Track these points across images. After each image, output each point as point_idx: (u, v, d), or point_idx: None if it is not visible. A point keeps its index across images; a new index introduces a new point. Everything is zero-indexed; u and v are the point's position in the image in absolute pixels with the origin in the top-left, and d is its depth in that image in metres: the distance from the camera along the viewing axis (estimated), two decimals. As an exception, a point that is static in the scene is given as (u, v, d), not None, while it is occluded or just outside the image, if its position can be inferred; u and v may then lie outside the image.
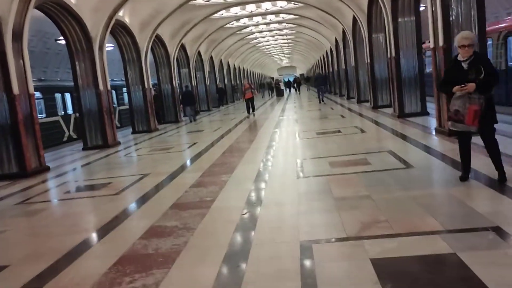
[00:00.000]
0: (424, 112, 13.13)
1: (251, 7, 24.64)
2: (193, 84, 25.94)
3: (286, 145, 10.60)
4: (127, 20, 16.44)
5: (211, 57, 32.17)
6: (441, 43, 8.92)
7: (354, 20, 20.20)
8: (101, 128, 13.58)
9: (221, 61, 36.06)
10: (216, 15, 23.99)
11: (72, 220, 5.81)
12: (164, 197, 6.49)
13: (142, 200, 6.40)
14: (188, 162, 9.50)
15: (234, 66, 44.07)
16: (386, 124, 12.18)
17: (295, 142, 10.77)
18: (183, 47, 24.81)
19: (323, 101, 24.89)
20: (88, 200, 6.82)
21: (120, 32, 16.60)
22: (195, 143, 12.53)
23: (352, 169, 6.94)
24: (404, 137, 9.57)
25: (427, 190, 5.46)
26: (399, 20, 13.00)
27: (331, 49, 32.36)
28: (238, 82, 46.45)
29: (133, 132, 17.74)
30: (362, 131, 11.33)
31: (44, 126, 17.02)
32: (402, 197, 5.21)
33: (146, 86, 17.77)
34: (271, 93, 40.26)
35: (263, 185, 6.64)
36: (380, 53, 17.31)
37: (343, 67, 25.99)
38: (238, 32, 31.63)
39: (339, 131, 11.63)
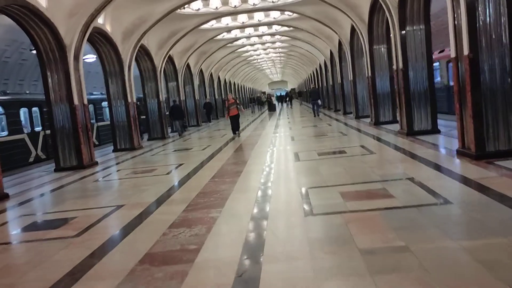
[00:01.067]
0: (435, 130, 11.91)
1: (242, 18, 23.51)
2: (181, 98, 24.58)
3: (285, 169, 9.24)
4: (108, 28, 15.11)
5: (201, 70, 30.94)
6: (466, 51, 7.70)
7: (353, 31, 19.10)
8: (76, 146, 12.13)
9: (211, 75, 34.86)
10: (206, 26, 22.82)
11: None
12: (135, 242, 5.06)
13: (106, 247, 4.97)
14: (171, 190, 8.08)
15: (225, 80, 42.90)
16: (396, 143, 10.89)
17: (294, 165, 9.41)
18: (171, 59, 23.53)
19: (318, 115, 24.91)
20: (38, 245, 5.35)
21: (100, 41, 15.24)
22: (181, 164, 11.13)
23: (372, 203, 5.59)
24: (423, 160, 8.26)
25: (483, 239, 4.10)
26: (408, 29, 11.83)
27: (325, 63, 31.32)
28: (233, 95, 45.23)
29: (115, 150, 16.28)
30: (370, 151, 10.02)
31: (5, 145, 15.49)
32: (452, 249, 3.86)
33: (130, 100, 16.37)
34: (261, 108, 38.87)
35: (263, 224, 5.25)
36: (382, 66, 16.15)
37: (339, 81, 24.86)
38: (229, 45, 30.50)
39: (344, 152, 10.31)
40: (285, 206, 6.02)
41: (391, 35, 12.65)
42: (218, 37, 26.43)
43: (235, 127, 17.37)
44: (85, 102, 12.67)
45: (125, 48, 16.12)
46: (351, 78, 20.78)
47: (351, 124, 17.89)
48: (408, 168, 7.77)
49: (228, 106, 17.23)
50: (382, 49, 16.01)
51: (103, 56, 15.88)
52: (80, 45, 12.18)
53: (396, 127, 14.59)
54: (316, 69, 39.57)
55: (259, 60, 47.51)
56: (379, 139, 12.10)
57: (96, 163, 12.80)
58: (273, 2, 19.76)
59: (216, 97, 37.17)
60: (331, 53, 26.71)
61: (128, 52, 16.22)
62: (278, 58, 48.01)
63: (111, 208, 6.88)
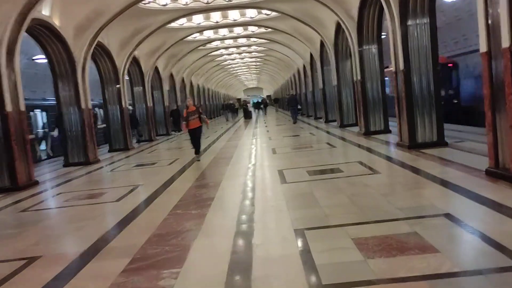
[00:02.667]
0: (442, 142, 10.14)
1: (216, 17, 21.51)
2: (148, 104, 22.29)
3: (270, 196, 7.21)
4: (56, 22, 12.81)
5: (171, 74, 28.71)
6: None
7: (338, 30, 17.36)
8: (9, 163, 9.80)
9: (183, 79, 32.64)
10: (175, 25, 20.71)
11: None
12: None
13: None
14: (114, 230, 5.91)
15: (198, 85, 40.72)
16: (402, 159, 9.00)
17: (281, 189, 7.38)
18: (136, 61, 21.25)
19: (295, 122, 24.54)
20: None
21: (47, 36, 12.92)
22: (138, 186, 8.96)
23: (407, 263, 3.63)
24: (450, 185, 6.36)
25: None
26: (410, 23, 10.06)
27: (304, 67, 29.60)
28: (202, 102, 43.05)
29: (66, 165, 13.90)
30: (373, 170, 8.10)
31: None
32: None
33: (84, 106, 14.06)
34: (235, 116, 36.43)
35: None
36: (372, 69, 14.39)
37: (320, 86, 23.09)
38: (202, 48, 28.40)
39: (339, 170, 8.36)
40: (278, 269, 3.97)
41: (387, 31, 10.84)
42: (189, 38, 24.31)
43: (196, 146, 12.14)
44: (22, 108, 10.36)
45: (77, 45, 13.83)
46: (335, 83, 19.00)
47: (337, 134, 16.04)
48: (436, 197, 5.86)
49: (187, 116, 11.75)
50: (373, 49, 14.25)
51: (51, 55, 13.55)
52: (14, 37, 9.90)
53: (389, 137, 12.85)
54: (294, 74, 37.87)
55: (233, 66, 45.53)
56: (378, 154, 10.21)
57: (36, 183, 10.48)
58: (249, -2, 17.88)
59: (200, 103, 34.97)
60: (312, 56, 24.97)
61: (82, 51, 13.93)
62: (254, 63, 46.11)
63: (21, 261, 4.71)
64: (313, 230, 4.86)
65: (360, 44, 14.25)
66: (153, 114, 22.66)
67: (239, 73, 57.51)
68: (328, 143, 13.24)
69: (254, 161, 11.04)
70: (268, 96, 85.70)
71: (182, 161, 12.30)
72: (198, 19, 21.23)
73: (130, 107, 23.16)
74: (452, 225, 4.57)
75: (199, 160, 11.79)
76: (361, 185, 6.93)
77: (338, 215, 5.35)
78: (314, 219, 5.26)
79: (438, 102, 10.21)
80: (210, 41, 26.56)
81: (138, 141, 21.03)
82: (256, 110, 50.77)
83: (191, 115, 11.72)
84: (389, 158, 9.33)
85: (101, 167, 12.97)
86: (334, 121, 20.96)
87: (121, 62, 18.16)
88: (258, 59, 41.65)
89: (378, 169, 8.11)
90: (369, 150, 10.94)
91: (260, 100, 54.90)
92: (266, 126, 25.38)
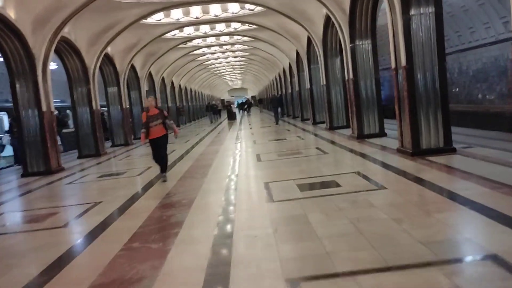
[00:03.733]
0: (448, 149, 8.89)
1: (196, 12, 20.06)
2: (124, 106, 20.69)
3: (255, 221, 5.81)
4: (11, 14, 11.26)
5: (150, 73, 27.15)
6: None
7: (327, 25, 16.10)
8: None
9: (163, 79, 31.08)
10: (151, 20, 19.22)
11: None
12: None
13: None
14: (42, 275, 4.45)
15: (180, 85, 39.14)
16: (409, 170, 7.69)
17: (269, 211, 6.00)
18: (109, 60, 19.67)
19: (277, 123, 24.16)
20: None
21: (0, 31, 11.36)
22: (95, 205, 7.48)
23: None
24: (478, 207, 5.07)
25: None
26: (413, 13, 8.78)
27: (289, 67, 28.30)
28: (185, 103, 41.49)
29: (25, 174, 12.30)
30: (376, 184, 6.76)
31: None
32: None
33: (45, 109, 12.48)
34: (218, 117, 34.64)
35: None
36: (366, 66, 13.11)
37: (308, 86, 21.79)
38: (183, 46, 26.89)
39: (336, 184, 7.02)
40: None
41: (387, 22, 9.55)
42: (168, 35, 22.80)
43: (161, 161, 9.19)
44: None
45: (37, 41, 12.26)
46: (324, 82, 17.72)
47: (326, 137, 14.73)
48: (469, 226, 4.54)
49: (147, 121, 8.84)
50: (367, 44, 12.98)
51: (7, 51, 11.97)
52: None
53: (386, 142, 11.59)
54: (279, 74, 36.58)
55: (217, 66, 44.00)
56: (378, 162, 8.89)
57: (-20, 199, 8.92)
58: (231, -10, 16.50)
59: (169, 104, 33.38)
60: (298, 54, 23.68)
61: (42, 47, 12.36)
62: (238, 63, 44.66)
63: None
64: (313, 282, 3.50)
65: (352, 39, 12.96)
66: (129, 116, 21.05)
67: (223, 73, 55.99)
68: (318, 148, 11.91)
69: (236, 170, 9.65)
70: (253, 97, 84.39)
71: (154, 170, 10.80)
72: (176, 14, 19.74)
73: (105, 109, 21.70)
74: (507, 275, 3.26)
75: (165, 181, 8.83)
76: (365, 205, 5.59)
77: (343, 252, 4.01)
78: (312, 261, 3.90)
79: (445, 102, 8.95)
80: (191, 38, 25.05)
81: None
82: (241, 111, 49.40)
83: (153, 120, 8.79)
84: (392, 168, 8.02)
85: (62, 178, 11.42)
86: (322, 122, 19.71)
87: (92, 60, 16.60)
88: (242, 59, 40.23)
89: (382, 183, 6.77)
90: (366, 157, 9.63)
91: (244, 101, 53.70)
92: (250, 128, 24.00)
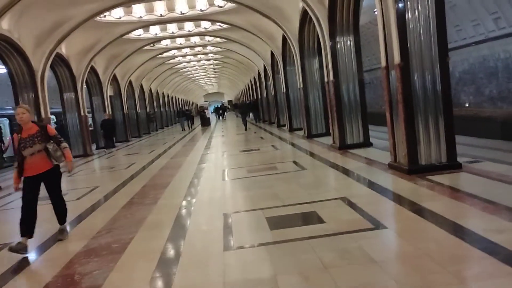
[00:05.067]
0: (454, 164, 7.32)
1: (160, 9, 18.22)
2: (82, 113, 18.63)
3: (206, 280, 4.04)
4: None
5: (115, 77, 25.13)
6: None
7: (303, 20, 14.50)
8: None
9: (130, 83, 29.00)
10: (111, 18, 17.32)
11: None
12: None
13: None
14: None
15: (151, 90, 37.04)
16: (413, 197, 6.01)
17: (224, 266, 4.25)
18: (64, 62, 17.63)
19: (246, 130, 23.96)
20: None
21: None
22: (1, 248, 5.59)
23: None
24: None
25: None
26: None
27: (264, 69, 26.66)
28: (157, 109, 39.41)
29: None
30: (374, 221, 5.06)
31: None
32: None
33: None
34: (191, 124, 32.34)
35: None
36: (348, 67, 11.51)
37: (283, 89, 20.17)
38: (150, 48, 24.98)
39: (319, 219, 5.31)
40: None
41: (377, 13, 7.96)
42: (132, 35, 20.92)
43: (30, 212, 5.35)
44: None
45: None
46: (301, 85, 16.12)
47: (304, 148, 13.10)
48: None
49: (19, 146, 5.34)
50: (349, 42, 11.40)
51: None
52: None
53: (373, 154, 10.01)
54: (255, 77, 34.93)
55: (190, 69, 42.04)
56: (369, 183, 7.20)
57: None
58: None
59: (139, 110, 31.29)
60: (273, 56, 22.06)
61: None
62: (212, 66, 42.79)
63: None
64: None
65: (332, 35, 11.35)
66: (86, 124, 18.98)
67: (197, 78, 53.97)
68: (295, 162, 10.19)
69: (194, 193, 7.86)
70: (230, 101, 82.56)
71: (101, 191, 8.98)
72: (139, 11, 17.87)
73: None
74: None
75: (61, 239, 5.61)
76: (362, 260, 3.87)
77: None
78: None
79: (449, 108, 7.38)
80: (158, 39, 23.13)
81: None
82: (217, 116, 47.64)
83: (27, 145, 5.31)
84: (387, 193, 6.36)
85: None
86: (300, 129, 18.10)
87: (39, 61, 14.54)
88: (216, 62, 38.38)
89: (378, 217, 5.08)
90: (351, 175, 7.98)
91: (219, 106, 52.02)
92: (223, 136, 22.23)
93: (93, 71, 21.08)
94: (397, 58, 7.30)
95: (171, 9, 18.45)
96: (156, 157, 14.92)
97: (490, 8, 15.36)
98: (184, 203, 7.07)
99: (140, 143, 23.86)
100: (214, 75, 54.13)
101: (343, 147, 11.48)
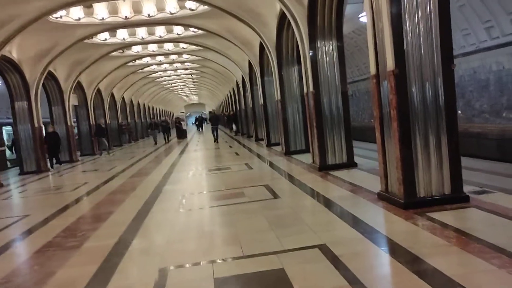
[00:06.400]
0: (460, 197, 5.84)
1: (125, 11, 16.59)
2: (36, 124, 16.73)
3: None
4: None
5: (80, 84, 23.30)
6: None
7: (281, 24, 13.08)
8: None
9: (98, 91, 27.14)
10: (69, 19, 15.58)
11: None
12: None
13: None
14: None
15: (124, 99, 35.08)
16: (413, 248, 4.44)
17: None
18: (14, 67, 15.77)
19: (217, 141, 24.25)
20: None
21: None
22: None
23: None
24: None
25: None
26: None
27: (243, 79, 25.20)
28: (131, 120, 37.47)
29: None
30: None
31: None
32: None
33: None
34: (167, 137, 30.14)
35: None
36: (330, 75, 10.05)
37: (261, 101, 18.69)
38: (119, 55, 23.27)
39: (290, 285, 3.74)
40: None
41: (366, 12, 6.50)
42: (97, 40, 19.22)
43: None
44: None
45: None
46: (279, 97, 14.64)
47: (282, 168, 11.57)
48: None
49: None
50: (331, 48, 9.95)
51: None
52: None
53: (358, 178, 8.54)
54: (233, 88, 33.44)
55: (167, 78, 40.26)
56: (363, 227, 5.62)
57: None
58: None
59: (108, 120, 29.38)
60: (250, 65, 20.60)
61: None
62: (190, 76, 41.11)
63: None
64: None
65: (312, 39, 9.89)
66: (40, 136, 17.07)
67: (175, 88, 52.16)
68: (268, 188, 8.59)
69: (131, 234, 6.17)
70: (210, 112, 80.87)
71: (15, 230, 7.23)
72: (100, 12, 16.19)
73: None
74: None
75: None
76: None
77: None
78: None
79: (453, 126, 5.93)
80: (126, 45, 21.42)
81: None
82: (198, 128, 46.03)
83: None
84: (382, 241, 4.78)
85: None
86: (278, 144, 16.57)
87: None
88: (194, 71, 36.73)
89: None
90: (334, 209, 6.42)
91: (197, 117, 50.55)
92: (195, 151, 20.55)
93: (52, 77, 19.22)
94: (390, 64, 5.82)
95: (137, 11, 16.83)
96: (114, 175, 13.18)
97: (483, 17, 14.20)
98: (115, 247, 5.39)
99: (106, 157, 21.99)
100: (193, 86, 52.39)
101: (324, 167, 9.99)
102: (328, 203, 6.75)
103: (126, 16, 16.65)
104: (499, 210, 5.36)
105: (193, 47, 23.49)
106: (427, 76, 5.82)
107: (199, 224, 6.27)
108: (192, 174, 11.79)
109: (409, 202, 5.80)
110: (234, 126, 31.39)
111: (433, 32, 5.77)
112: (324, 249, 4.50)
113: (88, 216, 7.49)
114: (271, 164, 12.46)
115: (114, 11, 16.64)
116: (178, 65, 31.97)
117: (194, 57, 27.44)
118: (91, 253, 5.28)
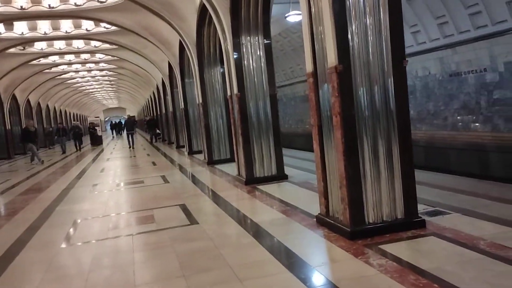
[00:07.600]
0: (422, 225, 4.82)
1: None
2: None
3: None
4: None
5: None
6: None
7: (202, 18, 11.67)
8: None
9: (14, 97, 23.97)
10: None
11: None
12: None
13: None
14: None
15: (39, 103, 31.59)
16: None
17: None
18: None
19: (133, 148, 23.26)
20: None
21: None
22: None
23: None
24: None
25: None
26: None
27: (163, 82, 23.44)
28: (47, 124, 33.92)
29: None
30: None
31: None
32: None
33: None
34: (79, 144, 26.43)
35: None
36: (256, 75, 8.84)
37: (181, 105, 17.14)
38: (19, 52, 20.49)
39: None
40: None
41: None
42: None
43: None
44: None
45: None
46: (200, 100, 13.22)
47: (202, 181, 10.15)
48: None
49: None
50: (257, 44, 8.71)
51: None
52: None
53: (291, 194, 7.44)
54: (154, 92, 31.40)
55: (80, 80, 36.99)
56: (305, 270, 4.34)
57: None
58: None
59: (22, 125, 25.97)
60: (170, 66, 18.96)
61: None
62: (107, 78, 38.21)
63: None
64: None
65: (236, 34, 8.61)
66: None
67: (91, 90, 48.56)
68: (184, 209, 7.11)
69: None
70: (132, 117, 77.19)
71: None
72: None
73: None
74: None
75: None
76: None
77: None
78: None
79: (406, 133, 4.90)
80: (28, 40, 18.80)
81: None
82: (116, 133, 43.73)
83: None
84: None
85: None
86: (201, 152, 15.13)
87: None
88: (110, 73, 34.03)
89: None
90: (265, 241, 5.10)
91: (116, 122, 47.81)
92: (108, 160, 18.43)
93: None
94: (332, 59, 4.67)
95: (36, 1, 14.59)
96: (2, 191, 10.95)
97: (409, 21, 13.85)
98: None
99: (2, 167, 19.10)
100: (111, 88, 49.10)
101: (252, 180, 8.74)
102: (257, 232, 5.44)
103: (21, 6, 14.34)
104: (462, 239, 4.39)
105: (107, 45, 21.37)
106: (375, 74, 4.74)
107: (81, 270, 4.64)
108: (96, 190, 9.97)
109: (356, 230, 4.67)
110: (158, 131, 29.40)
111: (381, 25, 4.71)
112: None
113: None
114: (191, 176, 11.00)
115: (7, 1, 14.27)
116: (92, 65, 29.37)
117: (109, 57, 25.16)
118: None
